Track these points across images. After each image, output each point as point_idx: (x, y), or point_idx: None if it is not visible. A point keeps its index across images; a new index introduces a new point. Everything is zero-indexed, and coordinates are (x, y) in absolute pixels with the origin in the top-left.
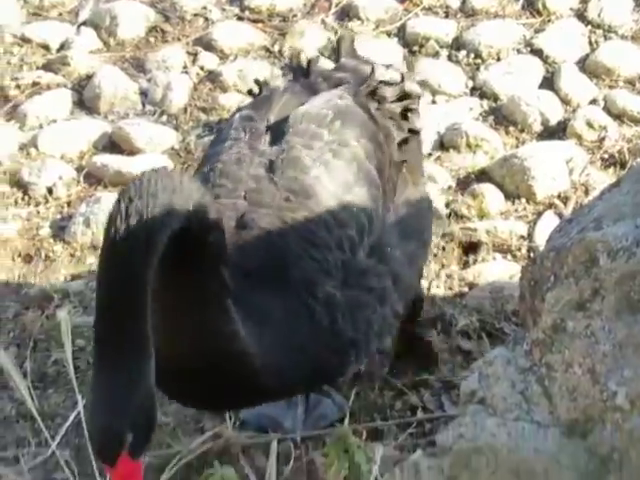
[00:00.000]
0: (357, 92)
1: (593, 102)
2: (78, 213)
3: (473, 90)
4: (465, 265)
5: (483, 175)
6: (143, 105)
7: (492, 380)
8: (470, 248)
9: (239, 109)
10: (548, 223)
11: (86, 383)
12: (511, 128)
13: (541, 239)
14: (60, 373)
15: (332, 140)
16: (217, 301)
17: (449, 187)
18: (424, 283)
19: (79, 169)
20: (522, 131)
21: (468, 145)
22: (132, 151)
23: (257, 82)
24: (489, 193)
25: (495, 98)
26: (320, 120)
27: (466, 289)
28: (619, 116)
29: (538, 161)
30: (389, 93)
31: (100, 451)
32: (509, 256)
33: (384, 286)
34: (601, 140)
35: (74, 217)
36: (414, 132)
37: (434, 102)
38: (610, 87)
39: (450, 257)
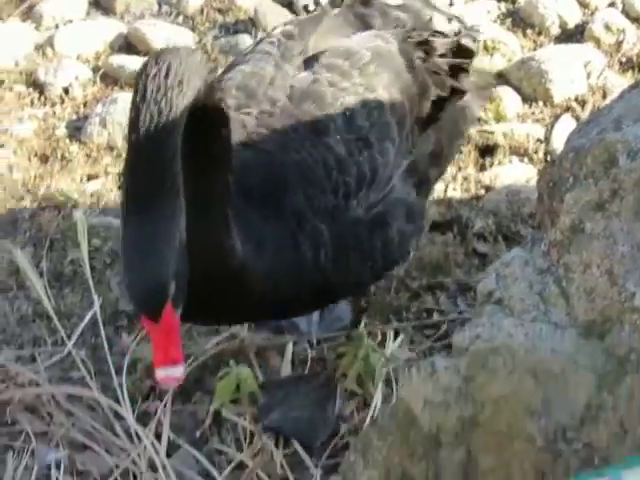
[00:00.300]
0: (405, 38)
1: (611, 5)
2: (94, 113)
3: None
4: (482, 168)
5: (500, 78)
6: (159, 6)
7: (509, 281)
8: (487, 151)
9: (286, 23)
10: (565, 126)
11: (102, 283)
12: (529, 31)
13: (558, 142)
14: (76, 273)
15: (360, 83)
16: (220, 206)
17: None
18: (441, 186)
19: (95, 69)
20: (540, 34)
21: (485, 48)
22: (148, 52)
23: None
24: (506, 96)
25: (513, 0)
26: (356, 60)
27: (482, 192)
28: (637, 19)
29: (556, 64)
30: (440, 45)
31: (145, 304)
32: (526, 159)
33: (373, 245)
34: (619, 43)
35: (90, 117)
36: (458, 92)
37: (451, 4)
38: None
39: (467, 160)
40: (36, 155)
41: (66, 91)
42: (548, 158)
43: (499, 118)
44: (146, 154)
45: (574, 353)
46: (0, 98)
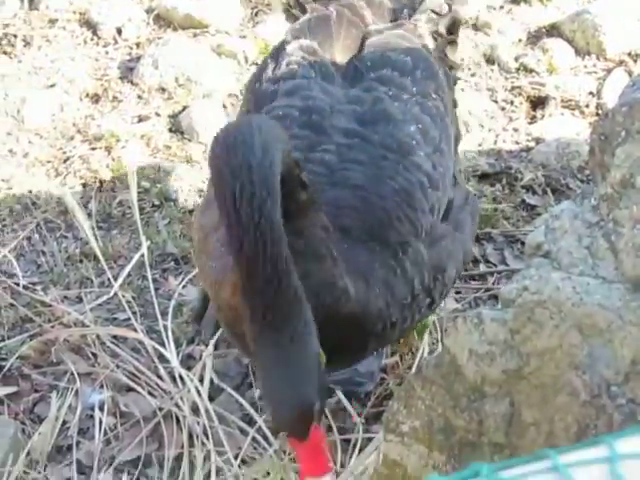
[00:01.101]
0: (420, 33)
1: None
2: (147, 55)
3: None
4: (532, 120)
5: (554, 30)
6: None
7: (558, 234)
8: (538, 103)
9: (294, 35)
10: (617, 80)
11: (150, 225)
12: None
13: (610, 96)
14: (125, 214)
15: (417, 92)
16: (324, 251)
17: (519, 40)
18: (492, 136)
19: (149, 11)
20: None
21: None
22: None
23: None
24: (559, 48)
25: None
26: (402, 68)
27: (533, 144)
28: None
29: (609, 17)
30: (441, 26)
31: (293, 428)
32: (577, 112)
33: (458, 253)
34: None
35: (142, 59)
36: (454, 67)
37: None
38: None
39: (518, 111)
40: (87, 95)
41: (119, 32)
42: (599, 112)
43: (551, 70)
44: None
45: (621, 308)
46: (53, 37)
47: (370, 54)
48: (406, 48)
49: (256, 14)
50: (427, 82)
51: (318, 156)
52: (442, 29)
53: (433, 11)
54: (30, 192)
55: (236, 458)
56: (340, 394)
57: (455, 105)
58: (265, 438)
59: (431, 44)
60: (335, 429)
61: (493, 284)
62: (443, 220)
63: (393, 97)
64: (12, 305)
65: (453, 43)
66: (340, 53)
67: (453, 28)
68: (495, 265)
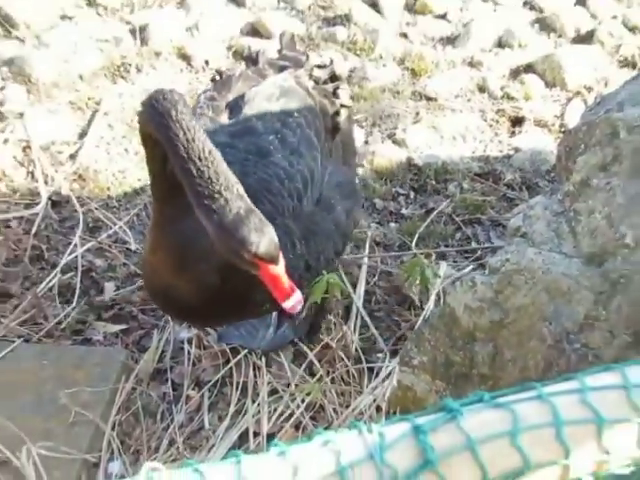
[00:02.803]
0: (297, 75)
1: (614, 18)
2: None
3: (525, 3)
4: (512, 134)
5: (529, 68)
6: (278, 2)
7: (533, 219)
8: (517, 122)
9: (204, 91)
10: (576, 106)
11: None
12: (552, 34)
13: (570, 118)
14: None
15: (280, 112)
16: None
17: (503, 75)
18: (482, 146)
19: (229, 48)
20: (560, 36)
21: (519, 45)
22: (268, 36)
23: (218, 72)
24: (533, 81)
25: (541, 10)
26: (269, 97)
27: (512, 152)
28: (632, 29)
29: (570, 59)
30: (322, 74)
31: (272, 251)
32: (545, 130)
33: (329, 227)
34: (618, 47)
35: None
36: (345, 106)
37: (495, 11)
38: (627, 7)
39: (502, 128)
40: None
41: (207, 62)
42: (562, 129)
43: (527, 98)
44: None
45: (578, 276)
46: (158, 66)
47: (250, 92)
48: (278, 85)
49: (307, 50)
50: (291, 105)
51: None
52: (324, 76)
53: (317, 65)
54: (139, 180)
55: (288, 386)
56: (374, 329)
57: (337, 129)
58: (310, 373)
59: (309, 84)
60: (364, 360)
61: (481, 257)
62: (317, 204)
63: (257, 117)
64: (125, 264)
65: (340, 88)
66: (234, 96)
67: (334, 77)
68: (483, 242)
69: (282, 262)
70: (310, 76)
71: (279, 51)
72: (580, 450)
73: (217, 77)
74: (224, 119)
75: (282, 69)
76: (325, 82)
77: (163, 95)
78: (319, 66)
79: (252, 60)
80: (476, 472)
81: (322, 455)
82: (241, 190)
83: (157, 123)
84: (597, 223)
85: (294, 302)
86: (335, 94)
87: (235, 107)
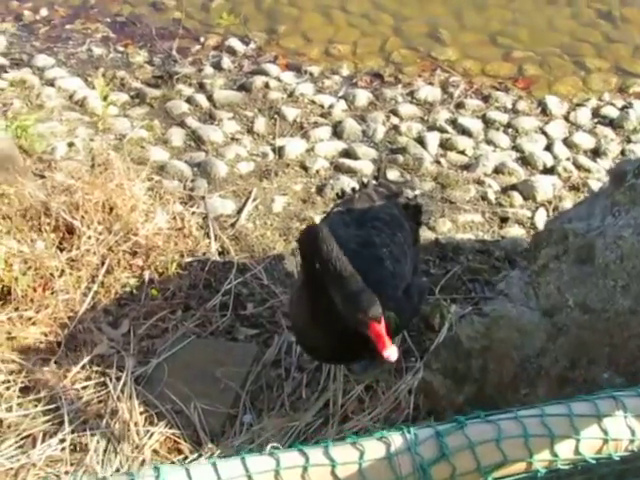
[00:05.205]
0: (397, 205)
1: (568, 159)
2: (329, 182)
3: (512, 147)
4: (501, 228)
5: (514, 187)
6: (362, 136)
7: (511, 285)
8: (504, 220)
9: (336, 205)
10: (541, 213)
11: None
12: (528, 166)
13: (538, 220)
14: None
15: (390, 233)
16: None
17: (497, 191)
18: (482, 234)
19: (331, 163)
20: (534, 168)
21: (508, 172)
22: (356, 157)
23: (342, 191)
24: (516, 195)
25: (522, 152)
26: (384, 221)
27: (500, 239)
28: (579, 167)
29: (539, 183)
30: (410, 205)
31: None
32: (521, 226)
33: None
34: (569, 177)
35: (326, 185)
36: (420, 224)
37: (494, 151)
38: (576, 153)
39: (494, 224)
40: (298, 198)
41: (317, 171)
42: (533, 227)
43: (511, 205)
44: None
45: (537, 323)
46: (287, 172)
47: (370, 215)
48: (388, 212)
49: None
50: (395, 229)
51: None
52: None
53: (407, 198)
54: (271, 242)
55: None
56: (410, 343)
57: (418, 240)
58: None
59: (401, 211)
60: (403, 361)
61: (478, 302)
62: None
63: (376, 235)
64: (259, 292)
65: (419, 218)
66: (356, 213)
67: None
68: (479, 293)
69: (384, 324)
70: (405, 207)
71: (377, 178)
72: (539, 453)
73: (340, 194)
74: (351, 230)
75: (380, 194)
76: (409, 207)
77: (316, 231)
78: (409, 198)
79: (364, 184)
80: (473, 463)
81: (378, 445)
82: (359, 279)
83: (313, 250)
84: (551, 291)
85: (390, 352)
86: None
87: (359, 222)
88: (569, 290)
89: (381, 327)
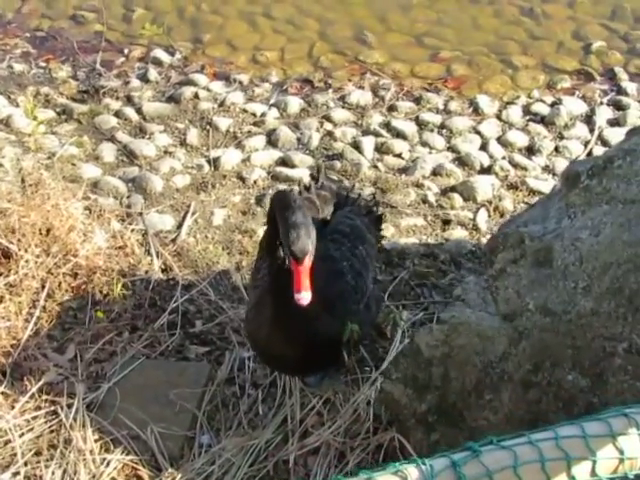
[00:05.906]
0: (359, 214)
1: (503, 158)
2: (267, 194)
3: (448, 148)
4: (444, 230)
5: (453, 188)
6: (297, 144)
7: (468, 291)
8: (446, 222)
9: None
10: (482, 214)
11: None
12: (466, 167)
13: (480, 220)
14: None
15: (351, 246)
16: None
17: (437, 193)
18: (425, 238)
19: (268, 173)
20: (471, 168)
21: (447, 174)
22: (292, 166)
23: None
24: (456, 197)
25: (459, 152)
26: (344, 232)
27: (444, 241)
28: (515, 165)
29: (478, 183)
30: (367, 204)
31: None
32: (464, 228)
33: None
34: (506, 176)
35: (265, 196)
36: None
37: (430, 153)
38: (511, 152)
39: (437, 226)
40: (237, 210)
41: (255, 182)
42: (474, 228)
43: (452, 207)
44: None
45: (498, 327)
46: (224, 184)
47: (329, 228)
48: (349, 223)
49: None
50: (356, 241)
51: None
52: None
53: (367, 204)
54: (215, 256)
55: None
56: (365, 353)
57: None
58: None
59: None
60: (358, 371)
61: (427, 307)
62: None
63: (335, 248)
64: (207, 309)
65: (380, 220)
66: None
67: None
68: (427, 298)
69: (308, 265)
70: (368, 213)
71: (316, 180)
72: (556, 477)
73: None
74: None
75: (323, 196)
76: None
77: (285, 192)
78: (359, 198)
79: (306, 188)
80: None
81: (394, 479)
82: (310, 222)
83: (284, 204)
84: (510, 295)
85: (302, 296)
86: (378, 222)
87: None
88: (529, 294)
89: (303, 268)
